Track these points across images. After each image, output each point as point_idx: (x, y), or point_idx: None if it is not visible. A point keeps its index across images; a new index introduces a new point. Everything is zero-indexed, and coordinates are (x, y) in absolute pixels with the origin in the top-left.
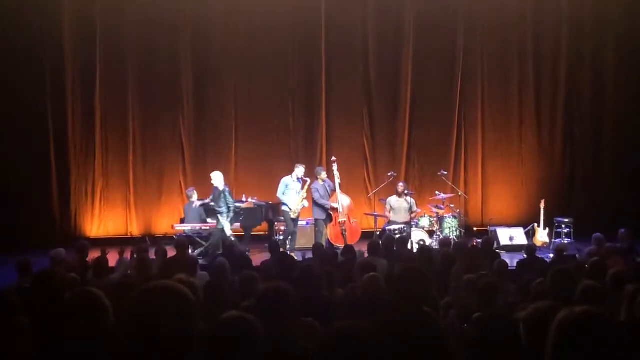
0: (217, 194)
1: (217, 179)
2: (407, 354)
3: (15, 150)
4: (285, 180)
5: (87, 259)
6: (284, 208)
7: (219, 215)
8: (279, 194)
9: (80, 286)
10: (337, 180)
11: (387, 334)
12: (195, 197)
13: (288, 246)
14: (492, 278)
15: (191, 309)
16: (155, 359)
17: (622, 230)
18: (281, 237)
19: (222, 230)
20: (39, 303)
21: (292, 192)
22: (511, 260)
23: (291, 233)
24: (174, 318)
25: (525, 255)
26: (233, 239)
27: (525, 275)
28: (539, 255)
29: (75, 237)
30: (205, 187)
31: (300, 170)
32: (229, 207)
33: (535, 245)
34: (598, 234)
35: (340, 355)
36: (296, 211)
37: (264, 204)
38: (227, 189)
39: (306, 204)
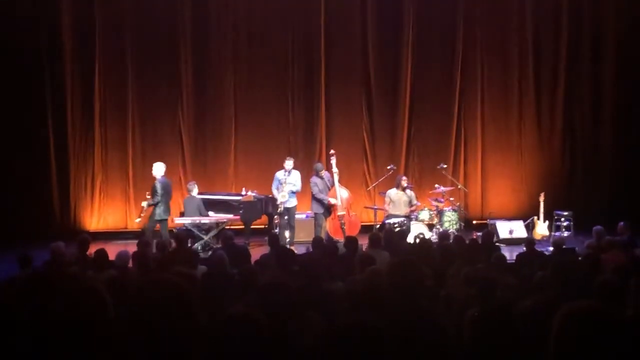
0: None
1: (155, 169)
2: (407, 348)
3: (14, 144)
4: (277, 174)
5: (88, 253)
6: (277, 203)
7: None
8: (273, 189)
9: (80, 280)
10: (336, 174)
11: (387, 328)
12: (195, 190)
13: (287, 240)
14: (491, 271)
15: (190, 303)
16: (155, 354)
17: (621, 224)
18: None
19: (157, 221)
20: (38, 297)
21: (281, 186)
22: (511, 254)
23: (283, 226)
24: (173, 313)
25: (524, 249)
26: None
27: (525, 268)
28: (538, 248)
29: (75, 230)
30: (206, 181)
31: (287, 164)
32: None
33: (534, 238)
34: (598, 227)
35: (343, 350)
36: (279, 204)
37: (263, 197)
38: (158, 181)
39: (284, 198)
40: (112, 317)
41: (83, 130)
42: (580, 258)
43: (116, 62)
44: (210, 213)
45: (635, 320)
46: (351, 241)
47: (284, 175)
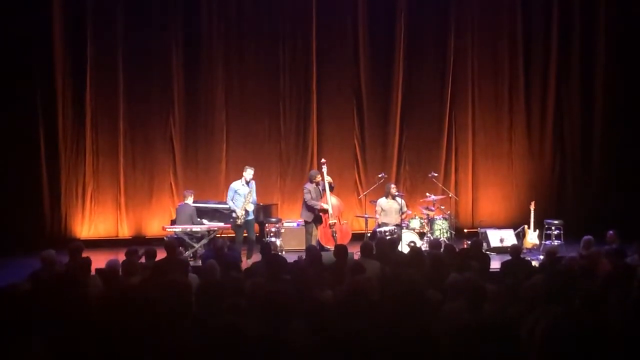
0: None
1: None
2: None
3: (5, 152)
4: (234, 185)
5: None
6: (233, 215)
7: None
8: (228, 201)
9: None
10: (327, 183)
11: (380, 335)
12: (190, 199)
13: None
14: (478, 281)
15: (182, 310)
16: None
17: (611, 232)
18: (272, 239)
19: None
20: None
21: (240, 198)
22: (501, 262)
23: (239, 242)
24: (165, 321)
25: (510, 257)
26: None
27: (511, 277)
28: (529, 257)
29: (66, 238)
30: (197, 189)
31: (248, 173)
32: None
33: (520, 246)
34: (588, 237)
35: (333, 356)
36: (241, 216)
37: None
38: None
39: (250, 207)
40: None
41: (74, 138)
42: (576, 268)
43: (107, 69)
44: (204, 221)
45: (619, 329)
46: (340, 250)
47: (247, 186)
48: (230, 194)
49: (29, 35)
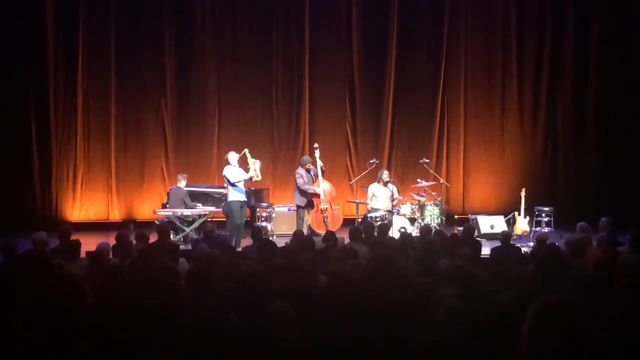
0: None
1: None
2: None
3: None
4: (229, 169)
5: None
6: (236, 199)
7: None
8: (235, 181)
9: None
10: (319, 167)
11: (360, 326)
12: (183, 182)
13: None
14: (468, 266)
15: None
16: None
17: (603, 219)
18: (263, 224)
19: None
20: (21, 285)
21: (239, 170)
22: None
23: (238, 227)
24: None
25: (500, 243)
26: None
27: (501, 263)
28: (519, 243)
29: (56, 221)
30: (189, 173)
31: (232, 157)
32: None
33: (510, 232)
34: (583, 223)
35: (319, 347)
36: (256, 174)
37: (246, 190)
38: None
39: (257, 164)
40: (90, 305)
41: (65, 121)
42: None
43: (99, 52)
44: (198, 204)
45: (609, 315)
46: (330, 237)
47: (236, 167)
48: (229, 175)
49: (20, 18)
